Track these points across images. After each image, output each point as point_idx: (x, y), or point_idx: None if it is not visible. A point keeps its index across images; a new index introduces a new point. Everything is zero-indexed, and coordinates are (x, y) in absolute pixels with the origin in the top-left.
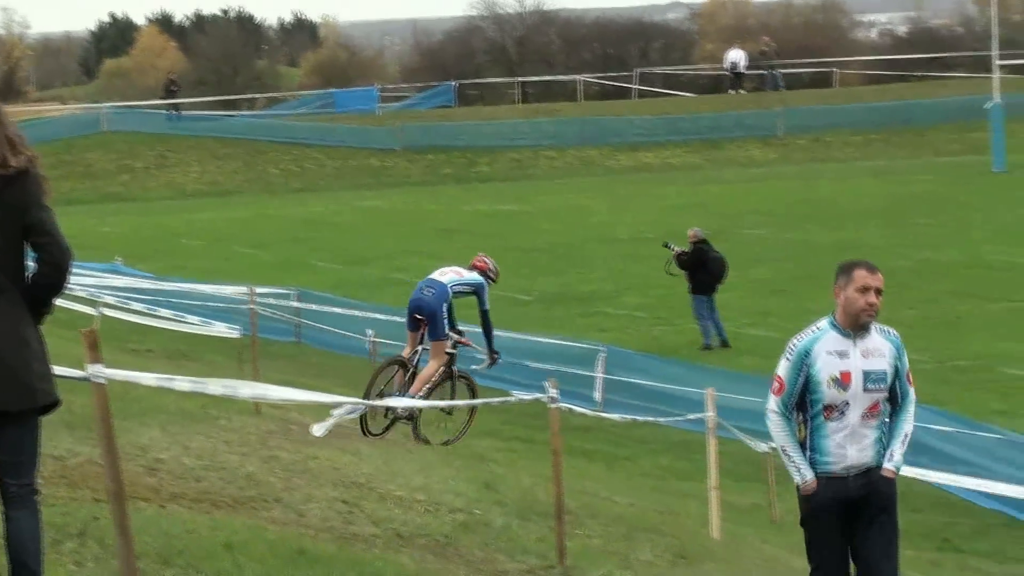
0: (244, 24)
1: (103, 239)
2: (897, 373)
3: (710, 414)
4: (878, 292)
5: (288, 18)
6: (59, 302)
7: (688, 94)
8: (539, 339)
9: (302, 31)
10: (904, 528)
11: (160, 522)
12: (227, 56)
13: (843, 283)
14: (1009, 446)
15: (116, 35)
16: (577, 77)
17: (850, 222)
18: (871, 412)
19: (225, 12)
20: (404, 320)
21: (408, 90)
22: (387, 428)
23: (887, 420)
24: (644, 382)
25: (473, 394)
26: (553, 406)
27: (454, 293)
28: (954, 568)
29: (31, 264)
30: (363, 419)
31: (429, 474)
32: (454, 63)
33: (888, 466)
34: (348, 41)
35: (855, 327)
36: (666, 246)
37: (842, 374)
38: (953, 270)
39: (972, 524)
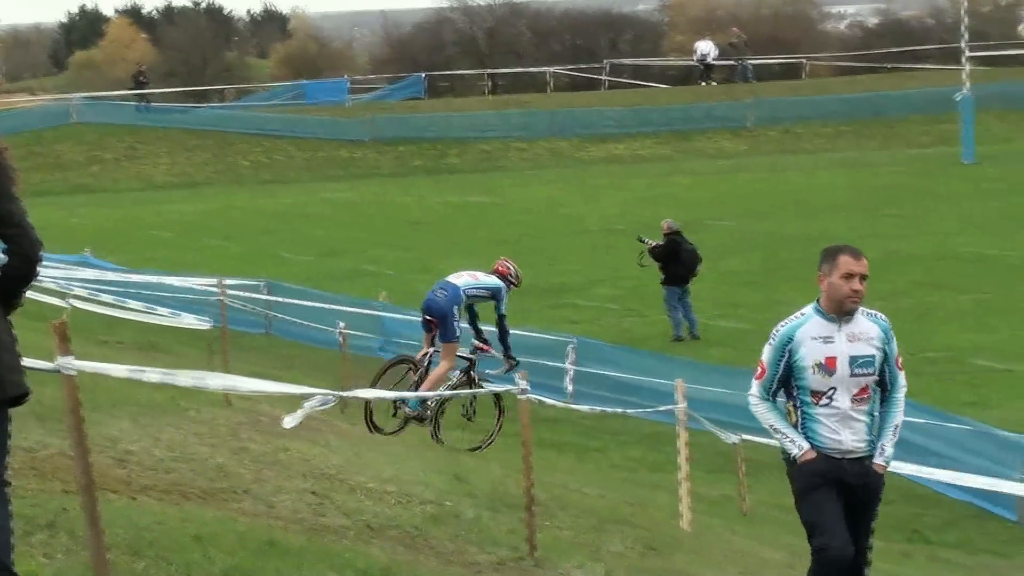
0: (214, 15)
1: (73, 231)
2: (886, 358)
3: (680, 406)
4: (863, 278)
5: (258, 9)
6: (29, 294)
7: (658, 85)
8: (509, 331)
9: (272, 22)
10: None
11: (130, 514)
12: (197, 47)
13: (827, 270)
14: (979, 437)
15: (86, 26)
16: (547, 69)
17: (820, 213)
18: (860, 396)
19: (195, 3)
20: (373, 313)
21: (378, 82)
22: (399, 429)
23: (878, 405)
24: (614, 374)
25: (498, 400)
26: (523, 397)
27: (469, 296)
28: (924, 559)
29: (1, 256)
30: (369, 414)
31: (399, 466)
32: (424, 55)
33: (879, 460)
34: (318, 32)
35: (840, 313)
36: (641, 240)
37: (827, 359)
38: (922, 261)
39: (942, 516)
